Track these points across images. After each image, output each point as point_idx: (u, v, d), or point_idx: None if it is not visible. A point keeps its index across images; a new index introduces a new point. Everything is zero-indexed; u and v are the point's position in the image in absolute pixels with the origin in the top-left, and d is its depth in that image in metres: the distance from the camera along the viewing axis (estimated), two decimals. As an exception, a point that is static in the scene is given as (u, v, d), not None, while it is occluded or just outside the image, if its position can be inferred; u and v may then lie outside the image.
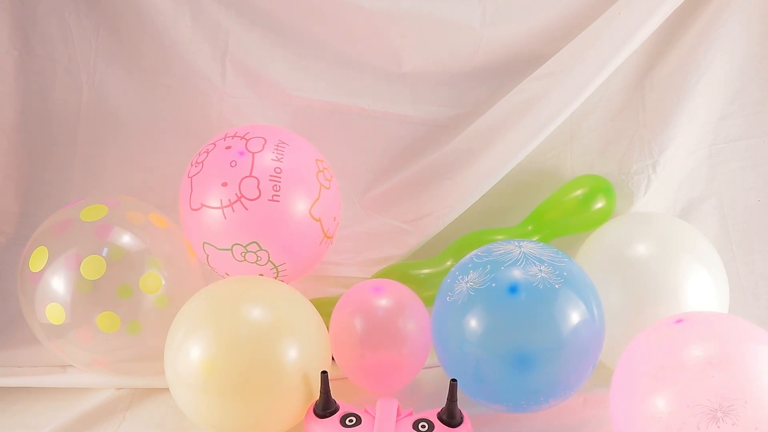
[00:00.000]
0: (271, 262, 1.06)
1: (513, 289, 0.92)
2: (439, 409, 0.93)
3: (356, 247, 1.32)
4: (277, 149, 1.06)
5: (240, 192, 1.02)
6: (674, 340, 0.85)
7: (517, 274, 0.94)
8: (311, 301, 1.03)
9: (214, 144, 1.08)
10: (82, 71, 1.27)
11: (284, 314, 0.96)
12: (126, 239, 1.04)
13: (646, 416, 0.81)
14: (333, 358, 1.04)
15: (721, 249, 1.17)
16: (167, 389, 0.97)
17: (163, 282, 1.04)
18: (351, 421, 0.92)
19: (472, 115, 1.28)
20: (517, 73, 1.25)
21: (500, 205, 1.30)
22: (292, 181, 1.05)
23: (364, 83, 1.29)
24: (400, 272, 1.20)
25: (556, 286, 0.92)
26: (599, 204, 1.23)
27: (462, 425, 0.91)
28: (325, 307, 1.06)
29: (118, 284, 1.01)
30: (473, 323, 0.94)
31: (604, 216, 1.22)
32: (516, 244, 0.99)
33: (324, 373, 0.92)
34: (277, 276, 1.09)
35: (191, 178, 1.07)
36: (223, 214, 1.03)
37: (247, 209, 1.02)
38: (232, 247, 1.05)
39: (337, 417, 0.92)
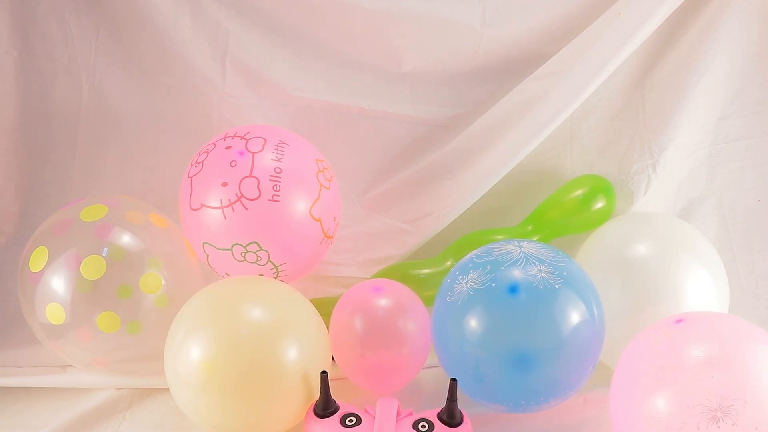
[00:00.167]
0: (271, 262, 1.06)
1: (513, 289, 0.92)
2: (439, 409, 0.93)
3: (356, 247, 1.32)
4: (277, 149, 1.06)
5: (240, 192, 1.02)
6: (674, 340, 0.85)
7: (517, 274, 0.94)
8: (311, 301, 1.03)
9: (214, 144, 1.08)
10: (82, 71, 1.27)
11: (284, 314, 0.96)
12: (126, 239, 1.04)
13: (646, 416, 0.81)
14: (333, 358, 1.04)
15: (721, 249, 1.17)
16: (167, 389, 0.97)
17: (163, 282, 1.04)
18: (351, 421, 0.92)
19: (472, 115, 1.28)
20: (517, 73, 1.25)
21: (500, 205, 1.30)
22: (292, 181, 1.05)
23: (364, 83, 1.29)
24: (400, 272, 1.20)
25: (556, 286, 0.92)
26: (599, 204, 1.23)
27: (462, 425, 0.91)
28: (325, 307, 1.06)
29: (118, 284, 1.01)
30: (473, 323, 0.94)
31: (604, 216, 1.22)
32: (516, 244, 0.99)
33: (324, 373, 0.92)
34: (277, 276, 1.09)
35: (191, 178, 1.07)
36: (223, 214, 1.03)
37: (247, 209, 1.02)
38: (232, 247, 1.04)
39: (337, 417, 0.92)
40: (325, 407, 0.93)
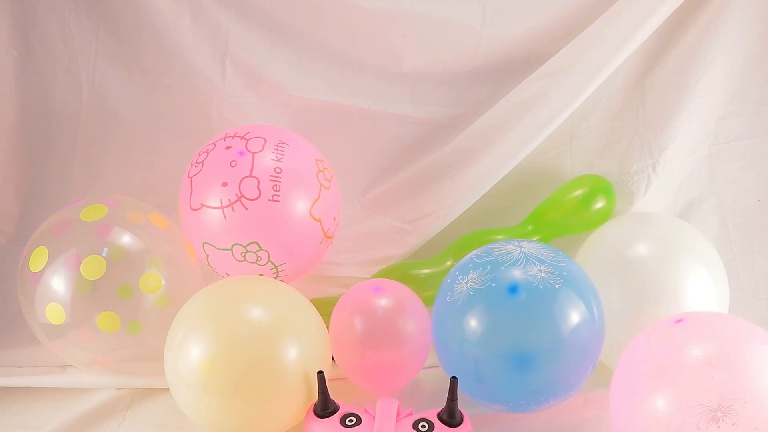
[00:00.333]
0: (271, 262, 1.06)
1: (513, 289, 0.92)
2: (439, 409, 0.93)
3: (356, 247, 1.32)
4: (277, 149, 1.06)
5: (240, 192, 1.02)
6: (674, 340, 0.85)
7: (517, 274, 0.94)
8: (311, 301, 1.03)
9: (214, 144, 1.08)
10: (82, 71, 1.27)
11: (284, 314, 0.96)
12: (126, 239, 1.04)
13: (646, 416, 0.81)
14: (333, 358, 1.04)
15: (721, 249, 1.17)
16: (167, 389, 0.97)
17: (163, 282, 1.04)
18: (351, 421, 0.92)
19: (472, 115, 1.28)
20: (517, 73, 1.25)
21: (500, 205, 1.30)
22: (292, 181, 1.05)
23: (364, 83, 1.29)
24: (400, 272, 1.20)
25: (556, 286, 0.92)
26: (599, 204, 1.23)
27: (462, 425, 0.91)
28: (325, 307, 1.06)
29: (118, 284, 1.01)
30: (473, 323, 0.94)
31: (604, 216, 1.22)
32: (516, 244, 0.99)
33: (320, 373, 0.92)
34: (277, 276, 1.09)
35: (191, 178, 1.07)
36: (223, 214, 1.03)
37: (247, 209, 1.02)
38: (232, 247, 1.04)
39: (337, 417, 0.92)
40: (324, 407, 0.93)
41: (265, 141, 1.06)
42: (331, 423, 0.92)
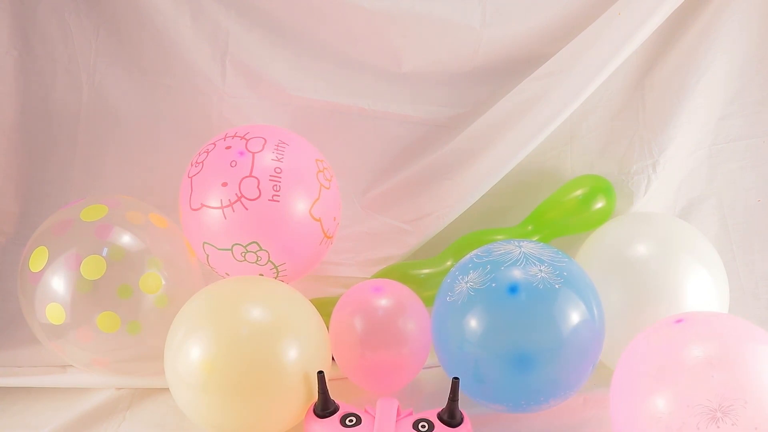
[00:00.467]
0: (271, 262, 1.06)
1: (513, 289, 0.92)
2: (439, 409, 0.93)
3: (356, 247, 1.32)
4: (277, 149, 1.06)
5: (240, 192, 1.02)
6: (674, 340, 0.85)
7: (517, 274, 0.94)
8: (311, 301, 1.03)
9: (214, 144, 1.08)
10: (82, 71, 1.27)
11: (284, 314, 0.96)
12: (126, 239, 1.04)
13: (646, 416, 0.81)
14: (333, 358, 1.04)
15: (721, 249, 1.17)
16: (167, 389, 0.97)
17: (163, 282, 1.04)
18: (351, 421, 0.92)
19: (472, 115, 1.28)
20: (517, 73, 1.25)
21: (500, 205, 1.30)
22: (292, 181, 1.05)
23: (364, 83, 1.29)
24: (400, 272, 1.20)
25: (556, 286, 0.92)
26: (599, 204, 1.23)
27: (462, 425, 0.91)
28: (325, 307, 1.06)
29: (118, 284, 1.01)
30: (473, 323, 0.94)
31: (604, 216, 1.22)
32: (516, 244, 0.99)
33: (320, 373, 0.92)
34: (277, 276, 1.09)
35: (191, 178, 1.07)
36: (223, 214, 1.03)
37: (247, 209, 1.02)
38: (232, 247, 1.04)
39: (337, 417, 0.92)
40: (324, 407, 0.93)
41: (265, 141, 1.06)
42: (331, 423, 0.92)
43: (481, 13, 1.22)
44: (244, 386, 0.90)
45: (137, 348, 1.05)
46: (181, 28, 1.25)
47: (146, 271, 1.03)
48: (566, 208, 1.23)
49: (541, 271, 0.94)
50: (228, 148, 1.06)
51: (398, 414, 0.93)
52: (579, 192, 1.24)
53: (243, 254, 1.05)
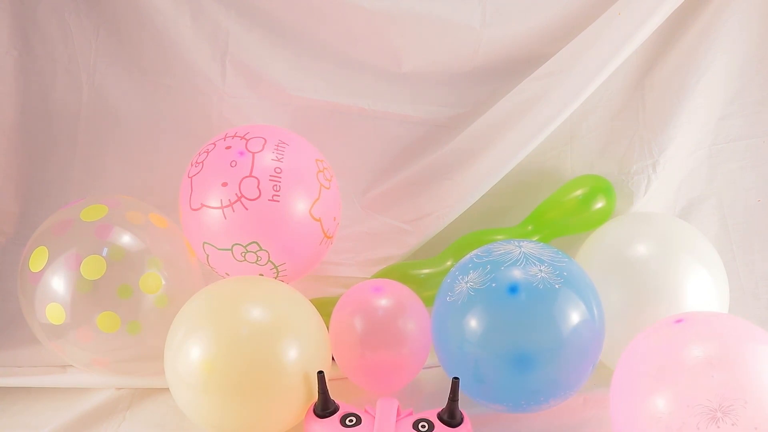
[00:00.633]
0: (271, 262, 1.06)
1: (513, 289, 0.92)
2: (439, 409, 0.93)
3: (356, 247, 1.32)
4: (277, 149, 1.06)
5: (240, 192, 1.02)
6: (674, 340, 0.85)
7: (517, 274, 0.94)
8: (311, 301, 1.03)
9: (214, 144, 1.08)
10: (82, 71, 1.27)
11: (284, 314, 0.96)
12: (126, 239, 1.04)
13: (646, 416, 0.81)
14: (333, 358, 1.04)
15: (721, 249, 1.17)
16: (167, 389, 0.97)
17: (163, 282, 1.04)
18: (351, 421, 0.92)
19: (472, 115, 1.28)
20: (517, 73, 1.25)
21: (500, 205, 1.30)
22: (292, 181, 1.05)
23: (364, 83, 1.29)
24: (400, 272, 1.20)
25: (556, 286, 0.92)
26: (599, 204, 1.23)
27: (462, 425, 0.91)
28: (325, 307, 1.06)
29: (118, 284, 1.01)
30: (473, 323, 0.94)
31: (604, 216, 1.22)
32: (516, 244, 0.99)
33: (320, 373, 0.92)
34: (277, 276, 1.09)
35: (191, 178, 1.07)
36: (223, 214, 1.03)
37: (247, 209, 1.02)
38: (232, 247, 1.04)
39: (337, 417, 0.92)
40: (324, 407, 0.93)
41: (265, 141, 1.06)
42: (331, 423, 0.92)
43: (481, 13, 1.22)
44: (244, 386, 0.90)
45: (137, 348, 1.05)
46: (181, 28, 1.25)
47: (146, 271, 1.03)
48: (566, 208, 1.23)
49: (541, 271, 0.94)
50: (228, 148, 1.06)
51: (398, 414, 0.93)
52: (579, 192, 1.24)
53: (243, 254, 1.05)
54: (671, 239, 1.10)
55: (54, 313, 1.00)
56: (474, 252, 1.02)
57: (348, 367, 1.04)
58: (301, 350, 0.93)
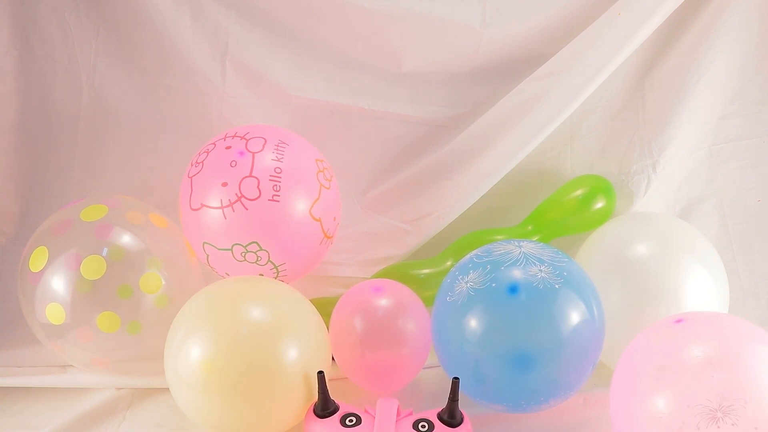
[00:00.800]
0: (271, 262, 1.06)
1: (513, 289, 0.92)
2: (439, 409, 0.93)
3: (356, 247, 1.32)
4: (277, 149, 1.06)
5: (240, 192, 1.02)
6: (674, 340, 0.85)
7: (517, 274, 0.94)
8: (311, 301, 1.03)
9: (214, 144, 1.08)
10: (82, 71, 1.27)
11: (284, 314, 0.96)
12: (126, 239, 1.04)
13: (646, 416, 0.81)
14: (333, 358, 1.04)
15: (721, 249, 1.17)
16: (167, 389, 0.97)
17: (163, 282, 1.04)
18: (351, 421, 0.92)
19: (472, 115, 1.28)
20: (517, 73, 1.25)
21: (500, 205, 1.30)
22: (292, 181, 1.05)
23: (364, 83, 1.29)
24: (400, 272, 1.20)
25: (556, 286, 0.92)
26: (599, 204, 1.23)
27: (462, 425, 0.91)
28: (325, 307, 1.06)
29: (118, 284, 1.01)
30: (473, 323, 0.94)
31: (604, 216, 1.22)
32: (516, 244, 0.99)
33: (320, 373, 0.92)
34: (277, 276, 1.09)
35: (191, 178, 1.07)
36: (223, 214, 1.03)
37: (247, 209, 1.02)
38: (232, 247, 1.04)
39: (337, 417, 0.92)
40: (324, 407, 0.93)
41: (265, 141, 1.06)
42: (331, 423, 0.92)
43: (481, 13, 1.22)
44: (244, 386, 0.90)
45: (137, 348, 1.05)
46: (181, 28, 1.25)
47: (146, 271, 1.03)
48: (566, 208, 1.23)
49: (541, 271, 0.94)
50: (228, 148, 1.06)
51: (398, 414, 0.93)
52: (579, 192, 1.24)
53: (243, 254, 1.05)
54: (671, 239, 1.10)
55: (54, 313, 1.00)
56: (474, 252, 1.02)
57: (348, 367, 1.04)
58: (301, 350, 0.93)
